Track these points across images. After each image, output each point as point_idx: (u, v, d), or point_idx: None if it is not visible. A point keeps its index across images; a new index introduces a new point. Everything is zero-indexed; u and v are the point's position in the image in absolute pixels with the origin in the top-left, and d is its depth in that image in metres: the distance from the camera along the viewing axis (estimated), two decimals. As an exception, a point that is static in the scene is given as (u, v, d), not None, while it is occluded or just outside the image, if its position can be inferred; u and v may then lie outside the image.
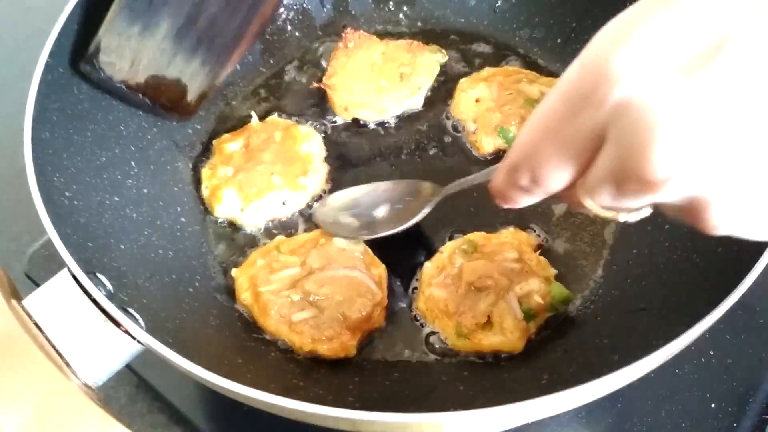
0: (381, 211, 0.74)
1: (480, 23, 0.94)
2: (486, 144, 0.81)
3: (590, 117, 0.36)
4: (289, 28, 0.94)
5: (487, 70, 0.87)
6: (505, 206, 0.47)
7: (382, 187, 0.77)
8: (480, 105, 0.83)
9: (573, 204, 0.43)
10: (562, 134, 0.38)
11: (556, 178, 0.41)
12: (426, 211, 0.71)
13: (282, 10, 0.93)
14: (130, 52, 0.72)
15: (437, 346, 0.68)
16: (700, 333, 0.49)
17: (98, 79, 0.72)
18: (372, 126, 0.86)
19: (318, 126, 0.86)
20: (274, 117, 0.86)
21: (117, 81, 0.72)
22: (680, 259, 0.65)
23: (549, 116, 0.39)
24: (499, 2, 0.94)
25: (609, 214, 0.41)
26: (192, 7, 0.73)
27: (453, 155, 0.82)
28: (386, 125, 0.86)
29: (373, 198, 0.76)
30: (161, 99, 0.76)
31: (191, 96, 0.78)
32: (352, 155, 0.84)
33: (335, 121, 0.87)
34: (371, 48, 0.90)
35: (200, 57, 0.76)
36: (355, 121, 0.86)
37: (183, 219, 0.77)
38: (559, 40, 0.90)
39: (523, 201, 0.45)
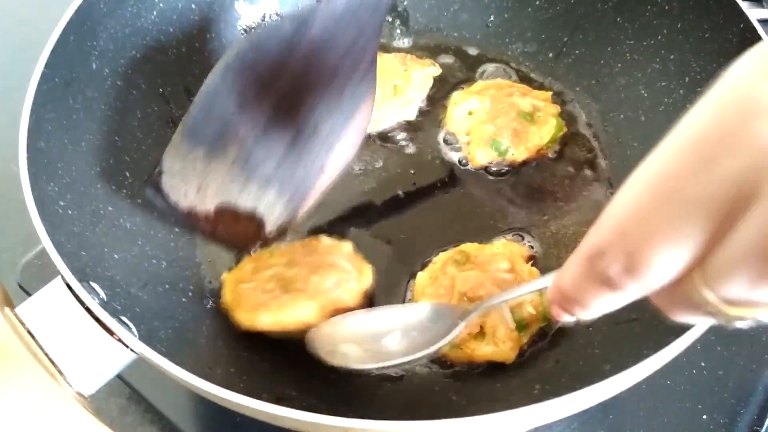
0: (392, 341, 0.61)
1: (473, 38, 0.95)
2: (479, 156, 0.81)
3: (735, 164, 0.26)
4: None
5: (480, 84, 0.88)
6: (565, 318, 0.37)
7: (393, 312, 0.64)
8: (473, 118, 0.84)
9: (675, 307, 0.32)
10: (686, 194, 0.27)
11: (666, 261, 0.29)
12: (452, 335, 0.59)
13: (277, 17, 0.93)
14: (195, 177, 0.64)
15: (430, 356, 0.68)
16: (689, 343, 0.49)
17: (162, 208, 0.65)
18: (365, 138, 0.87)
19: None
20: None
21: (183, 208, 0.64)
22: (671, 271, 0.65)
23: (666, 172, 0.28)
24: (492, 17, 0.95)
25: (729, 317, 0.30)
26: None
27: (446, 167, 0.83)
28: (379, 137, 0.86)
29: (382, 325, 0.63)
30: (236, 231, 0.68)
31: (269, 227, 0.70)
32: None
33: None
34: (365, 61, 0.91)
35: (276, 186, 0.67)
36: (349, 133, 0.87)
37: (177, 229, 0.77)
38: (550, 54, 0.91)
39: (600, 305, 0.34)
